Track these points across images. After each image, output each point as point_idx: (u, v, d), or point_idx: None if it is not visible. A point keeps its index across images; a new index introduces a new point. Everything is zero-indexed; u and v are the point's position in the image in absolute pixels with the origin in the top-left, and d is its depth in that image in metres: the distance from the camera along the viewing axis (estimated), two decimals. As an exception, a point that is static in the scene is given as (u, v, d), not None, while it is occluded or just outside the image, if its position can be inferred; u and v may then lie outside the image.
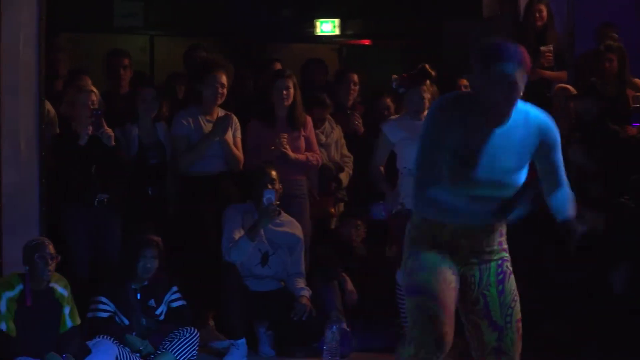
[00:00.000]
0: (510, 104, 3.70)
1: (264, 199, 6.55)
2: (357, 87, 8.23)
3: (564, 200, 3.84)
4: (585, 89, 7.30)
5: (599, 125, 7.24)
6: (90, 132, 6.53)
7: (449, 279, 3.80)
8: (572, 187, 3.90)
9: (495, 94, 3.67)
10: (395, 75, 6.60)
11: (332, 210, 7.72)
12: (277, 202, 6.64)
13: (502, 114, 3.73)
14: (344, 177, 7.73)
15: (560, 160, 3.86)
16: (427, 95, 6.44)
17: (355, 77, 8.24)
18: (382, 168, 6.69)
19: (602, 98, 7.29)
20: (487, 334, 3.87)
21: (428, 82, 6.47)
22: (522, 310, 3.91)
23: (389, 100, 7.88)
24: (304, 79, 8.06)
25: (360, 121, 8.13)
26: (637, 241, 6.76)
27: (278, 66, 7.74)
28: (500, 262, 3.93)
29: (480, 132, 3.73)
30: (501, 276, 3.88)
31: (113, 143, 6.59)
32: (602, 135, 7.22)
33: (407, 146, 6.39)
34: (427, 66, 6.48)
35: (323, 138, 7.64)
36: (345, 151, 7.86)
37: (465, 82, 7.85)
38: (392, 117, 7.01)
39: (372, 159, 6.72)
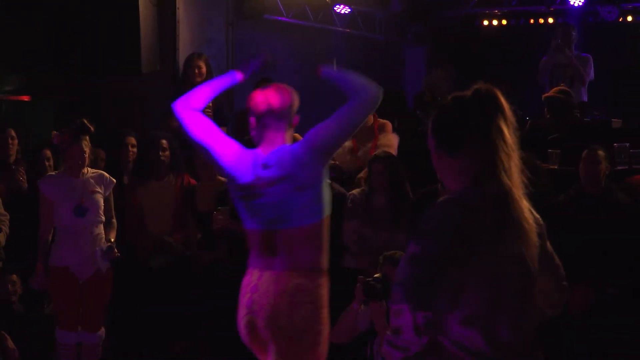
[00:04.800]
0: None
1: None
2: (15, 141, 8.55)
3: None
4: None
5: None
6: None
7: None
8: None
9: None
10: (55, 132, 7.02)
11: None
12: None
13: None
14: (1, 237, 7.89)
15: None
16: (87, 150, 6.98)
17: (12, 132, 8.56)
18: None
19: None
20: None
21: (87, 137, 6.97)
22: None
23: (49, 152, 8.39)
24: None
25: (25, 177, 8.55)
26: None
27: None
28: None
29: None
30: None
31: None
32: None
33: (63, 204, 6.97)
34: (86, 121, 6.97)
35: (-23, 198, 7.84)
36: (2, 209, 8.03)
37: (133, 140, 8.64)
38: (51, 173, 7.42)
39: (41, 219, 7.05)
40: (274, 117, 4.73)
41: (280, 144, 4.70)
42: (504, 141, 3.20)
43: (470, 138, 3.21)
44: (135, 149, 8.79)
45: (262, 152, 4.70)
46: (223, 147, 4.75)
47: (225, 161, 4.72)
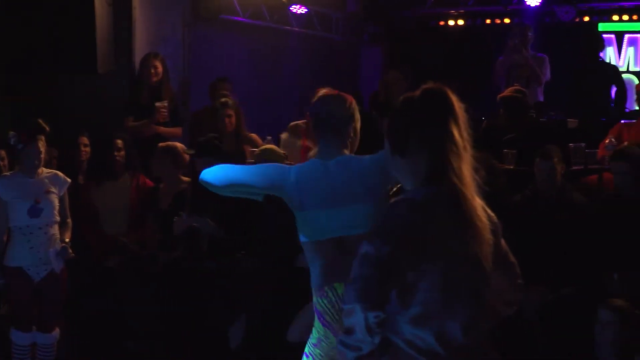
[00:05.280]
0: None
1: None
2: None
3: None
4: (203, 147, 7.85)
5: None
6: None
7: None
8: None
9: None
10: (12, 131, 7.11)
11: None
12: None
13: None
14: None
15: None
16: (43, 150, 7.04)
17: None
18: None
19: (220, 154, 7.77)
20: None
21: (43, 137, 7.03)
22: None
23: (3, 152, 8.39)
24: None
25: None
26: (253, 294, 7.53)
27: None
28: None
29: None
30: None
31: None
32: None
33: (17, 205, 7.03)
34: (41, 121, 7.04)
35: None
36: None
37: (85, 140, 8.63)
38: (5, 173, 7.46)
39: None
40: (333, 125, 4.72)
41: (340, 153, 4.72)
42: (453, 141, 3.24)
43: (419, 139, 3.25)
44: (87, 149, 8.81)
45: (323, 160, 4.71)
46: (280, 179, 4.72)
47: (288, 188, 4.68)
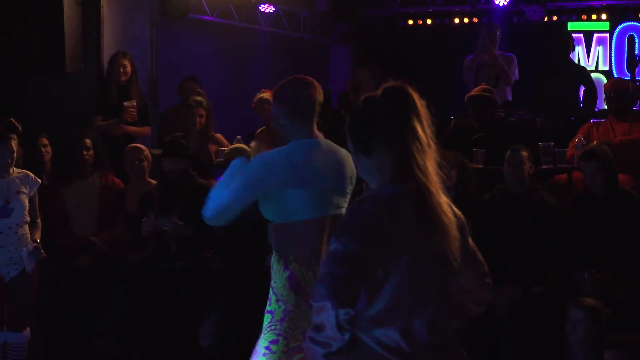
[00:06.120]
0: None
1: None
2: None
3: None
4: (170, 146, 7.84)
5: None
6: None
7: None
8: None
9: None
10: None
11: None
12: None
13: None
14: None
15: None
16: (15, 149, 7.11)
17: None
18: None
19: (188, 155, 7.88)
20: None
21: (15, 136, 7.11)
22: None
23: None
24: None
25: None
26: (222, 294, 7.62)
27: None
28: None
29: None
30: None
31: None
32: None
33: None
34: (14, 120, 7.17)
35: None
36: None
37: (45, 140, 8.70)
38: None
39: None
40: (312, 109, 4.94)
41: (317, 136, 4.92)
42: (417, 138, 3.30)
43: (381, 137, 3.31)
44: (48, 148, 8.80)
45: (309, 141, 4.91)
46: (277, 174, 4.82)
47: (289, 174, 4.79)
